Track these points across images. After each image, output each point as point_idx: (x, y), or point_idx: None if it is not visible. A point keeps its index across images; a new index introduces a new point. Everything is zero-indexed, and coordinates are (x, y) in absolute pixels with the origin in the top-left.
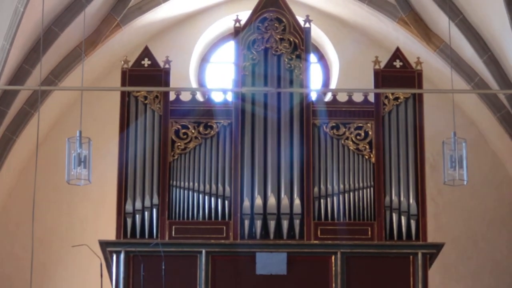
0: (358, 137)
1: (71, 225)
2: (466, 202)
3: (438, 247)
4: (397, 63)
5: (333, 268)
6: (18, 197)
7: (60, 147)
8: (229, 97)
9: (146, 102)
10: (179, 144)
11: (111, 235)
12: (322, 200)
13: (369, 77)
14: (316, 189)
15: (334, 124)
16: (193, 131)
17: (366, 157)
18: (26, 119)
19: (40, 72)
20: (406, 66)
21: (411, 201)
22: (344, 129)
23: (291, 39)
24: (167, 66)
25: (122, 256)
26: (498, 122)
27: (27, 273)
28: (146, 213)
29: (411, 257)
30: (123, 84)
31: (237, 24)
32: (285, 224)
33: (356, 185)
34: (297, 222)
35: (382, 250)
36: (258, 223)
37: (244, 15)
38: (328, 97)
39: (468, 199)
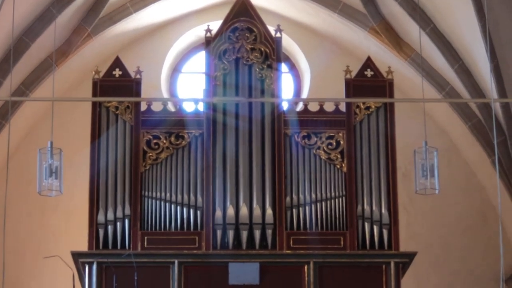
0: (329, 146)
1: (43, 236)
2: (438, 211)
3: (411, 256)
4: (368, 72)
5: (306, 278)
6: None
7: (32, 158)
8: (201, 107)
9: (117, 112)
10: (150, 154)
11: (83, 246)
12: (294, 210)
13: (341, 86)
14: (288, 198)
15: (305, 134)
16: (164, 141)
17: (338, 166)
18: None
19: (11, 83)
20: (377, 75)
21: (383, 210)
22: (315, 139)
23: (262, 49)
24: (138, 76)
25: (94, 267)
26: (469, 131)
27: None
28: (118, 223)
29: (383, 266)
30: (94, 94)
31: (208, 34)
32: (257, 234)
33: (328, 194)
34: (269, 232)
35: (354, 259)
36: (231, 233)
37: (215, 25)
38: (300, 106)
39: (440, 207)
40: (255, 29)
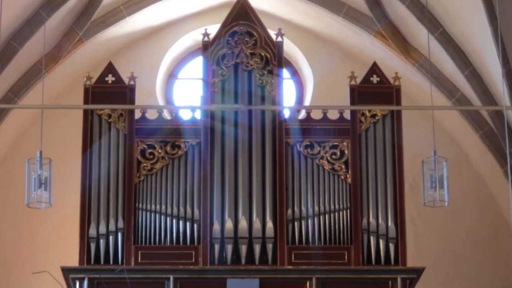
0: (333, 156)
1: (32, 250)
2: (447, 224)
3: (418, 271)
4: (374, 79)
5: None
6: None
7: (20, 169)
8: (198, 115)
9: (110, 120)
10: (145, 164)
11: (74, 261)
12: (296, 223)
13: (345, 93)
14: (289, 211)
15: (308, 143)
16: (159, 151)
17: (342, 177)
18: None
19: None
20: (383, 81)
21: (389, 223)
22: (318, 148)
23: (263, 54)
24: (132, 82)
25: (85, 283)
26: (480, 139)
27: None
28: (110, 237)
29: (390, 282)
30: (86, 101)
31: (206, 38)
32: (257, 248)
33: (332, 207)
34: (269, 246)
35: (359, 275)
36: (229, 248)
37: (213, 29)
38: (302, 114)
39: (450, 220)
40: (255, 33)
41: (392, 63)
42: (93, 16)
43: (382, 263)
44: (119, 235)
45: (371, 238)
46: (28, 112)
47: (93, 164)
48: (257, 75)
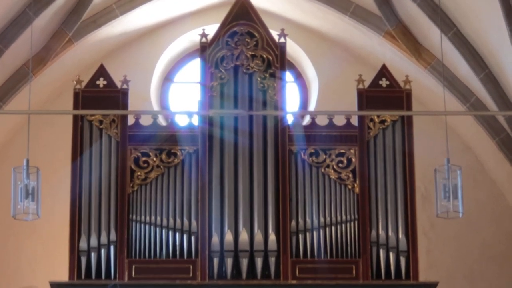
0: (340, 164)
1: (19, 265)
2: (461, 237)
3: (431, 286)
4: (383, 82)
5: None
6: None
7: (5, 178)
8: (195, 121)
9: (101, 126)
10: (139, 173)
11: (63, 276)
12: (300, 235)
13: (352, 97)
14: (293, 223)
15: (313, 151)
16: (154, 159)
17: (350, 187)
18: None
19: None
20: (393, 85)
21: (400, 235)
22: (324, 156)
23: (264, 56)
24: (125, 86)
25: None
26: (497, 147)
27: None
28: (102, 251)
29: None
30: (76, 107)
31: (204, 39)
32: (259, 262)
33: (339, 218)
34: (272, 260)
35: None
36: (229, 262)
37: (212, 29)
38: (306, 120)
39: (464, 233)
40: (256, 34)
41: (402, 66)
42: (84, 16)
43: (393, 277)
44: (112, 248)
45: (381, 251)
46: (14, 118)
47: (84, 173)
48: (258, 79)
